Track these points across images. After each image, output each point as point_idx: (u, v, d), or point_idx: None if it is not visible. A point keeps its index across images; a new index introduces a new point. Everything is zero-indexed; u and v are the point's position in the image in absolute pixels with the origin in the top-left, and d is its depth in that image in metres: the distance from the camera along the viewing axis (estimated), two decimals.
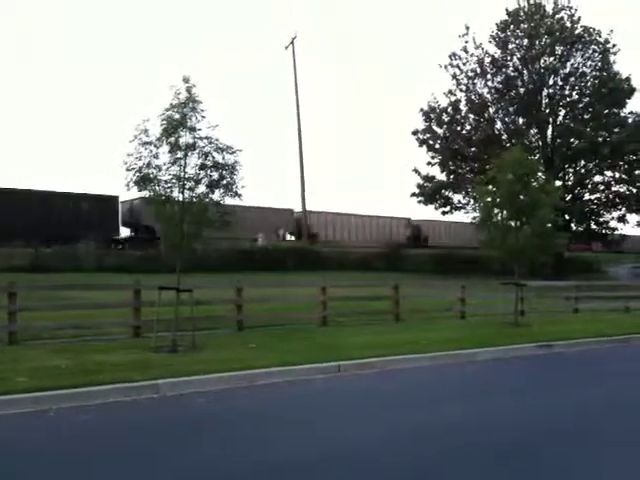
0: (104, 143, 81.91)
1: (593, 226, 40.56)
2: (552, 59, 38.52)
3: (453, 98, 40.67)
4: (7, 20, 76.37)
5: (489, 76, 39.86)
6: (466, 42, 39.56)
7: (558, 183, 34.45)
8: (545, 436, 6.15)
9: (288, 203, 49.99)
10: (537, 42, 38.29)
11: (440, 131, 40.73)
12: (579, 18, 38.26)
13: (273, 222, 39.70)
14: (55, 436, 6.26)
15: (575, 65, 38.86)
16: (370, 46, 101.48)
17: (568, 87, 39.30)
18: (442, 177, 40.98)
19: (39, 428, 6.57)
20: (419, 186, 40.61)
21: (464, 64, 40.10)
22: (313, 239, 41.25)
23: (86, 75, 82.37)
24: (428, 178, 40.61)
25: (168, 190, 11.09)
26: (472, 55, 39.80)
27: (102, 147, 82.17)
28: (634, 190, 38.75)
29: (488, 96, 40.49)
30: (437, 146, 40.71)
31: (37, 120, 79.53)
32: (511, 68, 39.60)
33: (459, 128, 40.78)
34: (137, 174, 10.87)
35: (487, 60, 39.56)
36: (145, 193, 11.10)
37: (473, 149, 40.14)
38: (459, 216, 49.94)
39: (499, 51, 39.60)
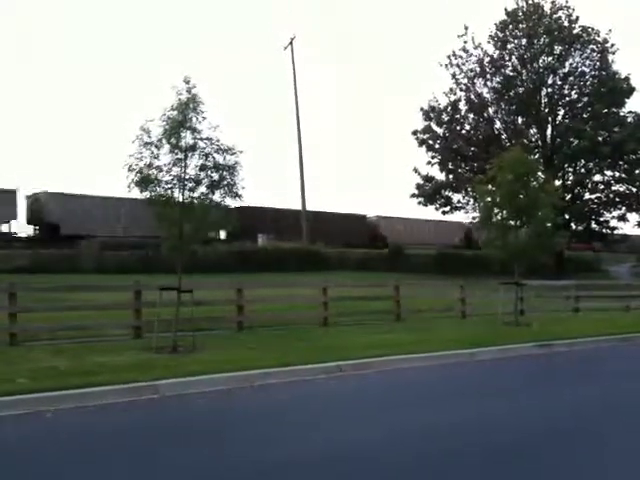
0: (102, 143, 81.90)
1: (593, 225, 40.57)
2: (551, 59, 38.57)
3: (453, 98, 40.81)
4: (7, 20, 76.39)
5: (488, 76, 39.93)
6: (465, 42, 39.75)
7: (558, 183, 34.52)
8: (546, 437, 6.14)
9: (289, 203, 50.10)
10: (536, 42, 38.33)
11: (440, 131, 40.80)
12: (577, 18, 38.37)
13: (448, 231, 47.52)
14: (55, 437, 6.25)
15: (574, 65, 38.97)
16: (370, 46, 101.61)
17: (567, 86, 39.36)
18: (442, 177, 41.04)
19: (39, 429, 6.56)
20: (418, 186, 40.61)
21: (463, 64, 40.23)
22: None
23: (85, 76, 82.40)
24: (428, 178, 40.63)
25: (169, 191, 11.09)
26: (471, 55, 39.96)
27: (100, 147, 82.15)
28: (634, 189, 38.77)
29: (487, 96, 40.59)
30: (437, 146, 40.74)
31: (35, 120, 79.52)
32: (510, 68, 39.66)
33: (459, 128, 40.85)
34: (138, 175, 10.86)
35: (486, 60, 39.64)
36: (145, 194, 11.06)
37: (473, 149, 40.18)
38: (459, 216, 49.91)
39: (498, 51, 39.66)
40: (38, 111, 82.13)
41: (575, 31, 38.22)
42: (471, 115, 40.99)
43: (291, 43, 42.39)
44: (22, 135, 78.30)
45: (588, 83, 38.83)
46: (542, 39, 38.12)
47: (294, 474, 5.06)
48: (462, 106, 40.85)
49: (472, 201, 37.57)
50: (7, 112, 77.21)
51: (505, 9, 39.51)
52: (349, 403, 8.00)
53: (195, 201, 11.19)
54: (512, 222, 16.46)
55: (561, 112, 39.76)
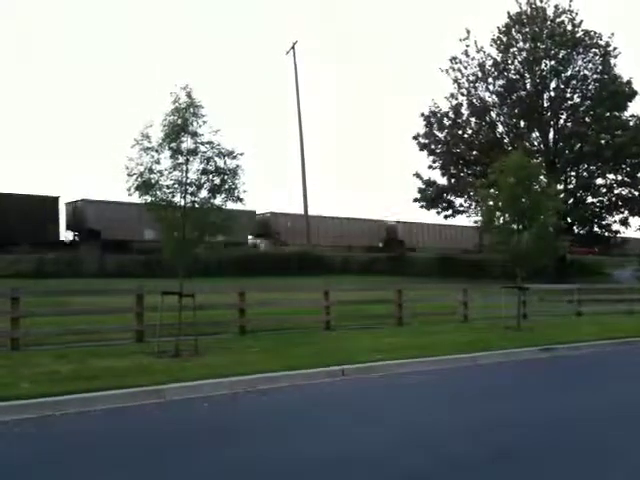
0: (104, 146, 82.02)
1: (595, 229, 40.51)
2: (553, 62, 38.56)
3: (454, 102, 40.75)
4: (7, 20, 76.60)
5: (491, 80, 39.94)
6: (467, 46, 39.69)
7: (560, 186, 34.49)
8: (549, 442, 6.14)
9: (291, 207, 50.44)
10: (539, 45, 38.31)
11: (441, 135, 40.75)
12: (581, 22, 38.34)
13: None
14: (59, 442, 6.25)
15: (576, 68, 38.92)
16: (372, 49, 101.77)
17: (569, 90, 39.34)
18: (443, 181, 41.05)
19: (43, 434, 6.56)
20: (420, 190, 40.60)
21: (465, 68, 40.19)
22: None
23: (86, 80, 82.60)
24: (430, 182, 40.62)
25: (170, 195, 11.10)
26: (473, 59, 39.91)
27: (102, 150, 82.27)
28: (636, 193, 38.72)
29: (490, 100, 40.55)
30: (438, 150, 40.74)
31: (33, 121, 79.63)
32: (513, 71, 39.63)
33: (460, 132, 40.80)
34: (139, 179, 10.88)
35: (489, 63, 39.63)
36: (147, 198, 11.06)
37: (475, 153, 40.14)
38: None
39: (501, 54, 39.63)
40: (32, 111, 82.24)
41: (578, 35, 38.21)
42: (473, 119, 40.97)
43: (293, 48, 42.57)
44: (16, 135, 78.36)
45: (590, 87, 38.82)
46: (545, 43, 38.12)
47: (301, 477, 5.07)
48: (464, 110, 40.86)
49: (474, 205, 37.58)
50: (4, 112, 77.37)
51: (508, 13, 39.54)
52: (353, 407, 7.99)
53: (196, 205, 11.20)
54: (514, 226, 16.45)
55: (563, 116, 39.73)
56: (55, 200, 33.81)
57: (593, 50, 38.55)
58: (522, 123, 40.63)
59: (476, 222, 20.57)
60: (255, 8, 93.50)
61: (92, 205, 34.63)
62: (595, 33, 38.41)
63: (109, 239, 33.19)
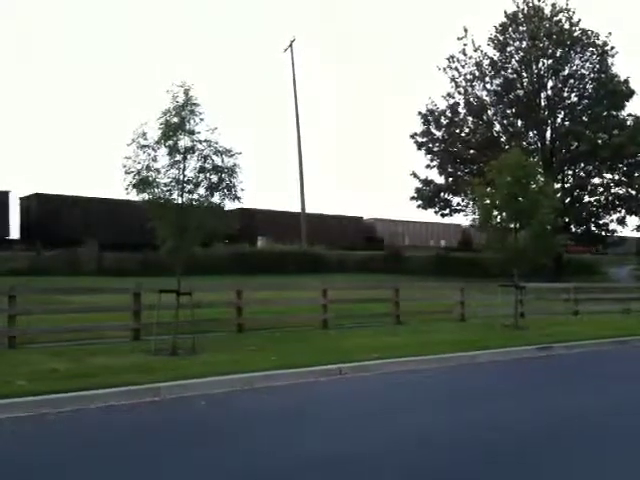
0: (103, 145, 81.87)
1: (592, 228, 40.52)
2: (551, 61, 38.54)
3: (451, 101, 40.67)
4: (7, 20, 76.41)
5: (488, 78, 39.87)
6: (465, 45, 39.62)
7: (557, 185, 34.47)
8: (547, 439, 6.14)
9: (289, 205, 50.41)
10: (537, 43, 38.28)
11: (439, 134, 40.70)
12: (578, 21, 38.30)
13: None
14: (55, 440, 6.23)
15: (574, 67, 38.89)
16: (370, 48, 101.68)
17: (567, 89, 39.32)
18: (441, 180, 41.00)
19: (40, 432, 6.54)
20: (417, 190, 40.55)
21: (462, 66, 40.14)
22: None
23: (85, 77, 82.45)
24: (427, 182, 40.56)
25: (167, 193, 11.07)
26: (470, 58, 39.85)
27: (101, 149, 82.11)
28: (633, 192, 38.72)
29: (487, 98, 40.51)
30: (435, 149, 40.68)
31: (33, 120, 79.47)
32: (510, 70, 39.60)
33: (458, 131, 40.75)
34: (136, 177, 10.85)
35: (486, 62, 39.59)
36: (145, 196, 11.03)
37: (472, 152, 40.10)
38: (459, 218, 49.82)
39: (498, 53, 39.60)
40: (31, 110, 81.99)
41: (575, 34, 38.17)
42: (470, 118, 40.92)
43: (291, 45, 42.44)
44: (16, 134, 78.20)
45: (588, 86, 38.80)
46: (543, 42, 38.09)
47: (296, 476, 5.05)
48: (461, 109, 40.81)
49: (471, 204, 37.52)
50: (4, 111, 77.18)
51: (505, 12, 39.48)
52: (350, 406, 7.98)
53: (194, 203, 11.17)
54: (511, 224, 16.45)
55: (560, 115, 39.70)
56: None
57: (590, 49, 38.50)
58: (519, 122, 40.61)
59: (473, 220, 20.56)
60: (255, 7, 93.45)
61: None
62: (592, 32, 38.38)
63: None
